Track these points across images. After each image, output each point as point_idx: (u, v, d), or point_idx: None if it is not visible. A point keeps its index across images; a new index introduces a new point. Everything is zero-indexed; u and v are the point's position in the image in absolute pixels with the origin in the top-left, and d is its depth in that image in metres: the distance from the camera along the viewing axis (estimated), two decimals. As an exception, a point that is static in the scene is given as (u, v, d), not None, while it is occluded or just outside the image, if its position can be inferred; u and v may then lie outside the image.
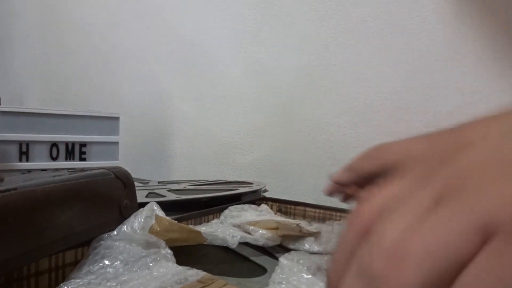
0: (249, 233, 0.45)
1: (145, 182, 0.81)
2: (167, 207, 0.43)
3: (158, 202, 0.41)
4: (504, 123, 0.16)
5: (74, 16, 1.33)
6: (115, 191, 0.39)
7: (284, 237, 0.46)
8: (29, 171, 0.68)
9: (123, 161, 0.82)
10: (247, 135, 0.90)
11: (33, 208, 0.29)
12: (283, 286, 0.33)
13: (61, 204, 0.32)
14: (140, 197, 0.54)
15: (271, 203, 0.64)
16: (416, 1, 0.68)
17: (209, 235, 0.41)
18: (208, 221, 0.52)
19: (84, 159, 0.76)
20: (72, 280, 0.31)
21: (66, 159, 0.74)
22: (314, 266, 0.39)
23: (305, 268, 0.37)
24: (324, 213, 0.58)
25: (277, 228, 0.46)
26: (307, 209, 0.61)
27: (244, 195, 0.64)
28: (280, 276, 0.35)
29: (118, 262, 0.33)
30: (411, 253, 0.13)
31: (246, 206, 0.57)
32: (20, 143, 0.68)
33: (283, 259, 0.39)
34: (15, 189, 0.29)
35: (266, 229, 0.45)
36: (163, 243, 0.36)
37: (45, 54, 1.45)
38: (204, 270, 0.33)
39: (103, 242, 0.35)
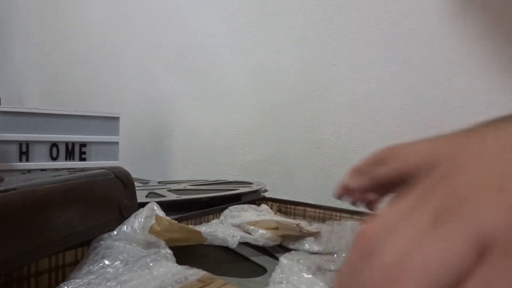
0: (249, 233, 0.45)
1: (145, 182, 0.81)
2: (167, 207, 0.43)
3: (158, 202, 0.41)
4: (500, 138, 0.16)
5: (74, 16, 1.33)
6: (115, 191, 0.39)
7: (284, 237, 0.46)
8: (29, 171, 0.68)
9: (123, 161, 0.82)
10: (247, 135, 0.90)
11: (33, 208, 0.29)
12: (283, 286, 0.33)
13: (61, 204, 0.32)
14: (140, 197, 0.54)
15: (271, 203, 0.64)
16: (416, 1, 0.68)
17: (209, 235, 0.41)
18: (208, 221, 0.52)
19: (84, 159, 0.76)
20: (72, 280, 0.31)
21: (66, 159, 0.74)
22: (314, 266, 0.39)
23: (305, 268, 0.37)
24: (324, 213, 0.58)
25: (277, 228, 0.46)
26: (307, 209, 0.61)
27: (244, 195, 0.64)
28: (281, 275, 0.35)
29: (118, 262, 0.33)
30: (410, 271, 0.14)
31: (246, 206, 0.57)
32: (20, 143, 0.68)
33: (283, 259, 0.39)
34: (15, 189, 0.29)
35: (266, 229, 0.45)
36: (163, 243, 0.36)
37: (45, 54, 1.45)
38: (204, 270, 0.33)
39: (103, 242, 0.35)
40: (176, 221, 0.39)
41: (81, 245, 0.35)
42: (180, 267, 0.34)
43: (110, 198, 0.38)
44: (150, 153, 1.09)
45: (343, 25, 0.76)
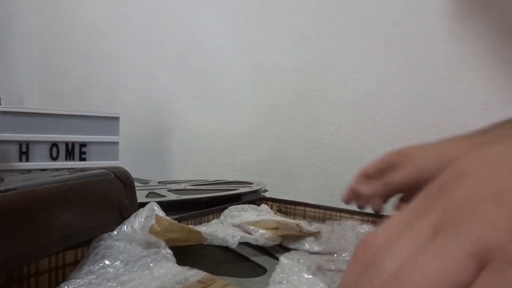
0: (249, 233, 0.45)
1: (145, 182, 0.81)
2: (167, 207, 0.43)
3: (158, 202, 0.41)
4: (497, 151, 0.17)
5: (74, 16, 1.33)
6: (115, 191, 0.39)
7: (284, 237, 0.46)
8: (29, 171, 0.68)
9: (123, 161, 0.82)
10: (247, 135, 0.90)
11: (33, 208, 0.29)
12: (284, 286, 0.33)
13: (61, 204, 0.32)
14: (140, 197, 0.54)
15: (271, 203, 0.64)
16: (416, 1, 0.68)
17: (209, 235, 0.41)
18: (208, 221, 0.52)
19: (84, 159, 0.76)
20: (73, 280, 0.31)
21: (66, 159, 0.74)
22: (314, 266, 0.39)
23: (305, 267, 0.37)
24: (324, 213, 0.58)
25: (277, 228, 0.46)
26: (307, 209, 0.61)
27: (244, 195, 0.64)
28: (281, 275, 0.35)
29: (119, 262, 0.33)
30: (410, 283, 0.14)
31: (246, 206, 0.57)
32: (20, 143, 0.68)
33: (284, 259, 0.39)
34: (15, 189, 0.29)
35: (266, 229, 0.45)
36: (163, 243, 0.36)
37: (45, 54, 1.45)
38: (204, 270, 0.33)
39: (103, 242, 0.35)
40: (176, 221, 0.39)
41: (81, 245, 0.35)
42: (180, 267, 0.34)
43: (110, 198, 0.38)
44: (150, 153, 1.09)
45: (343, 25, 0.76)
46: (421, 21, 0.68)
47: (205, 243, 0.41)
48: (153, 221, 0.38)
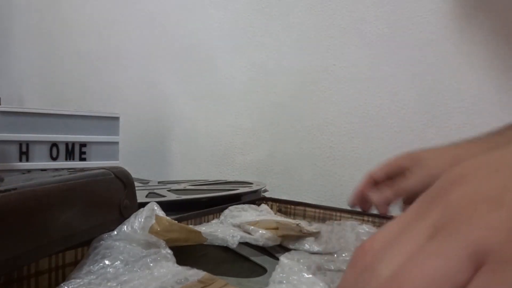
0: (249, 233, 0.45)
1: (145, 182, 0.81)
2: (167, 207, 0.43)
3: (158, 202, 0.40)
4: (495, 156, 0.17)
5: (74, 17, 1.33)
6: (115, 191, 0.39)
7: (284, 237, 0.46)
8: (29, 171, 0.68)
9: (123, 161, 0.82)
10: (247, 135, 0.90)
11: (33, 208, 0.29)
12: (284, 285, 0.33)
13: (61, 204, 0.32)
14: (140, 197, 0.55)
15: (271, 203, 0.64)
16: (416, 1, 0.68)
17: (209, 235, 0.41)
18: (208, 221, 0.52)
19: (84, 159, 0.76)
20: (73, 280, 0.31)
21: (66, 159, 0.74)
22: (314, 265, 0.39)
23: (306, 267, 0.37)
24: (324, 213, 0.58)
25: (277, 228, 0.46)
26: (307, 209, 0.60)
27: (244, 195, 0.64)
28: (281, 275, 0.35)
29: (119, 262, 0.33)
30: (410, 281, 0.14)
31: (246, 206, 0.57)
32: (20, 143, 0.68)
33: (284, 258, 0.39)
34: (15, 189, 0.29)
35: (266, 229, 0.45)
36: (163, 243, 0.36)
37: (45, 55, 1.45)
38: (204, 270, 0.33)
39: (103, 242, 0.35)
40: (176, 221, 0.39)
41: (81, 245, 0.35)
42: (180, 267, 0.34)
43: (110, 198, 0.38)
44: (150, 153, 1.09)
45: (343, 25, 0.76)
46: (421, 21, 0.68)
47: (205, 243, 0.41)
48: (153, 221, 0.38)
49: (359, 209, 0.54)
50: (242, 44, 0.90)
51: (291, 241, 0.47)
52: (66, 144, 0.74)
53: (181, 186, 0.73)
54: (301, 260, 0.40)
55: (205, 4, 0.96)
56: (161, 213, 0.39)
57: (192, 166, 1.00)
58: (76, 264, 0.34)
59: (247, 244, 0.44)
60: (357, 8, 0.74)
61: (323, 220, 0.58)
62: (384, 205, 0.48)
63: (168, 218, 0.39)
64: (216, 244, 0.41)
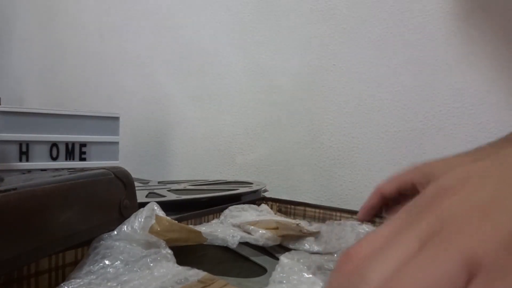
0: (249, 233, 0.45)
1: (145, 182, 0.81)
2: (167, 207, 0.43)
3: (158, 202, 0.41)
4: (481, 168, 0.17)
5: (74, 17, 1.33)
6: (115, 191, 0.39)
7: (284, 237, 0.46)
8: (29, 171, 0.68)
9: (123, 161, 0.82)
10: (247, 135, 0.90)
11: (33, 208, 0.29)
12: (284, 285, 0.33)
13: (61, 204, 0.32)
14: (140, 197, 0.55)
15: (271, 203, 0.64)
16: (416, 1, 0.68)
17: (209, 235, 0.41)
18: (208, 221, 0.52)
19: (84, 159, 0.76)
20: (73, 280, 0.31)
21: (66, 159, 0.74)
22: (314, 265, 0.39)
23: (306, 267, 0.37)
24: (324, 213, 0.58)
25: (277, 228, 0.46)
26: (307, 209, 0.61)
27: (244, 195, 0.64)
28: (281, 275, 0.35)
29: (119, 262, 0.33)
30: None
31: (246, 206, 0.57)
32: (20, 143, 0.68)
33: (284, 258, 0.39)
34: (15, 189, 0.29)
35: (266, 229, 0.45)
36: (163, 243, 0.36)
37: (45, 55, 1.45)
38: (204, 270, 0.33)
39: (103, 242, 0.35)
40: (176, 221, 0.39)
41: (81, 245, 0.35)
42: (180, 267, 0.34)
43: (110, 198, 0.38)
44: (150, 153, 1.09)
45: (343, 25, 0.76)
46: (421, 21, 0.68)
47: (205, 243, 0.41)
48: (153, 221, 0.38)
49: (354, 206, 0.54)
50: (242, 44, 0.90)
51: (291, 241, 0.47)
52: (66, 144, 0.74)
53: (181, 186, 0.73)
54: (301, 260, 0.40)
55: (205, 4, 0.96)
56: (161, 213, 0.39)
57: (192, 166, 1.00)
58: (76, 264, 0.34)
59: (247, 244, 0.44)
60: (357, 8, 0.74)
61: (323, 220, 0.58)
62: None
63: (168, 218, 0.39)
64: (216, 244, 0.41)
